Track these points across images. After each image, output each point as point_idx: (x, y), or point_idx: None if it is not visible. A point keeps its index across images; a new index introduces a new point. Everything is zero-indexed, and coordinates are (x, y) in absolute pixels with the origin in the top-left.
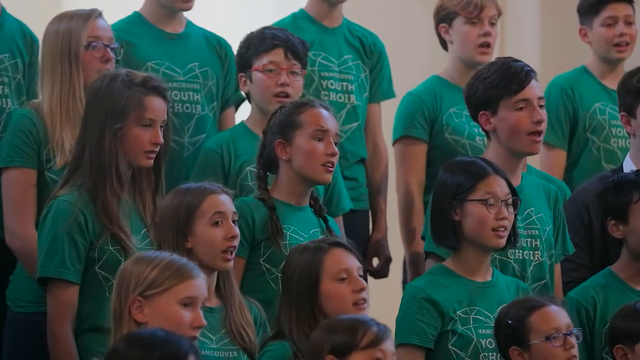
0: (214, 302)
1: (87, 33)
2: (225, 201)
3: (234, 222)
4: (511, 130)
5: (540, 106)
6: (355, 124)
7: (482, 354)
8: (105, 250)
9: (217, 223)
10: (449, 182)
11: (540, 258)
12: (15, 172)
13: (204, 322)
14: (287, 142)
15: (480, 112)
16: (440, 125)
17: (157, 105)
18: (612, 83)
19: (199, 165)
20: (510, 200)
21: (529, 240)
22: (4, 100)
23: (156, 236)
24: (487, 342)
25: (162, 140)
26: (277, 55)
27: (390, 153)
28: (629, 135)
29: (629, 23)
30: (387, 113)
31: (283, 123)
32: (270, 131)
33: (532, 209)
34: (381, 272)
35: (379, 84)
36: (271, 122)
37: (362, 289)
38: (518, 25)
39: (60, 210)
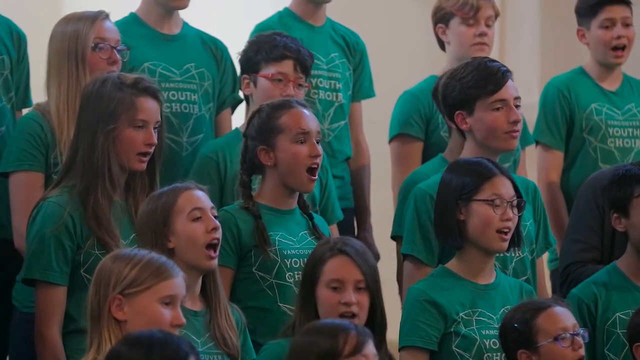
0: (199, 306)
1: (94, 34)
2: (200, 196)
3: (213, 215)
4: (488, 130)
5: (517, 106)
6: (342, 122)
7: (485, 355)
8: (91, 254)
9: (196, 218)
10: (454, 182)
11: (521, 254)
12: (23, 175)
13: (184, 320)
14: (269, 148)
15: (457, 112)
16: (435, 123)
17: (148, 106)
18: (609, 84)
19: (194, 172)
20: (515, 202)
21: None
22: None
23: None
24: (491, 343)
25: (156, 140)
26: (287, 66)
27: (387, 151)
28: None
29: (626, 25)
30: (379, 113)
31: (263, 128)
32: (251, 136)
33: None
34: None
35: (360, 83)
36: (250, 126)
37: (349, 303)
38: (518, 25)
39: (49, 212)
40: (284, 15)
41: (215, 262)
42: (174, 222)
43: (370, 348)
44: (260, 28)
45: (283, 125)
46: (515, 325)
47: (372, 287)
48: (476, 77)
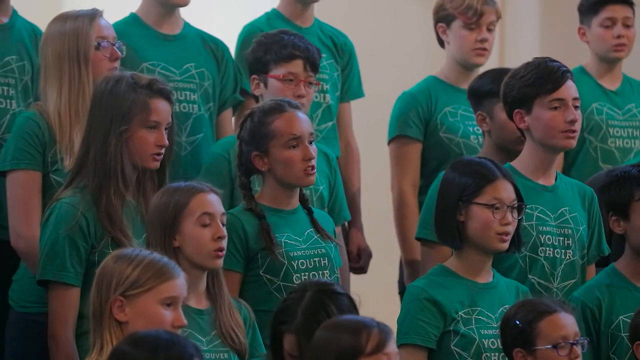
0: (204, 304)
1: (95, 33)
2: (213, 201)
3: (222, 223)
4: (545, 129)
5: (575, 107)
6: (330, 124)
7: (484, 354)
8: (105, 254)
9: (205, 224)
10: (456, 182)
11: (571, 257)
12: (20, 174)
13: (185, 321)
14: (263, 154)
15: (515, 111)
16: (434, 124)
17: (162, 108)
18: (609, 83)
19: (206, 169)
20: (515, 205)
21: (561, 238)
22: (8, 101)
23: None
24: (489, 343)
25: (167, 142)
26: (297, 66)
27: (385, 151)
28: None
29: (627, 25)
30: (379, 113)
31: (255, 134)
32: (244, 141)
33: (566, 208)
34: (363, 269)
35: (349, 84)
36: (243, 130)
37: None
38: (518, 25)
39: (62, 213)
40: (272, 17)
41: (221, 261)
42: (182, 223)
43: (392, 346)
44: (247, 30)
45: (275, 131)
46: (518, 322)
47: None
48: (535, 75)
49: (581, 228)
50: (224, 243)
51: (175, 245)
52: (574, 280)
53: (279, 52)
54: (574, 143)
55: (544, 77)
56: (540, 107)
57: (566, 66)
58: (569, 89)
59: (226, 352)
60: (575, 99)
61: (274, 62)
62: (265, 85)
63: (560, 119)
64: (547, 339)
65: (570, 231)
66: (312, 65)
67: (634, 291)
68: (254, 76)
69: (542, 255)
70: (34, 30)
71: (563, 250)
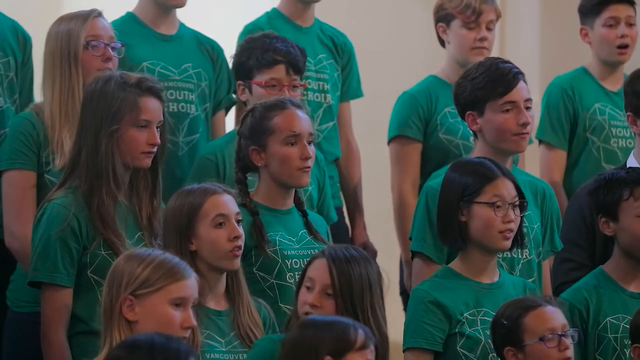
0: (223, 305)
1: (86, 33)
2: (227, 201)
3: (237, 222)
4: (497, 132)
5: (527, 108)
6: (331, 124)
7: (490, 355)
8: (97, 255)
9: (220, 224)
10: (456, 183)
11: (528, 256)
12: (15, 173)
13: (194, 322)
14: (261, 149)
15: (467, 112)
16: (434, 125)
17: (152, 106)
18: (611, 85)
19: (193, 173)
20: (517, 203)
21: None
22: None
23: (162, 239)
24: None
25: (158, 140)
26: (279, 71)
27: (385, 151)
28: (634, 135)
29: (630, 24)
30: (379, 113)
31: (255, 129)
32: (243, 135)
33: None
34: None
35: (348, 84)
36: (243, 125)
37: (306, 303)
38: (518, 25)
39: (54, 214)
40: (273, 16)
41: (238, 262)
42: (197, 226)
43: (372, 350)
44: (248, 29)
45: (274, 126)
46: (504, 321)
47: (345, 295)
48: (487, 78)
49: (535, 226)
50: (241, 242)
51: (192, 249)
52: (532, 279)
53: (261, 58)
54: (524, 146)
55: (495, 80)
56: (491, 110)
57: (517, 67)
58: (521, 90)
59: (245, 352)
60: (527, 100)
61: (256, 69)
62: (250, 91)
63: (512, 121)
64: (533, 333)
65: (525, 230)
66: (295, 68)
67: (621, 293)
68: (239, 82)
69: (501, 255)
70: (14, 26)
71: (520, 250)
